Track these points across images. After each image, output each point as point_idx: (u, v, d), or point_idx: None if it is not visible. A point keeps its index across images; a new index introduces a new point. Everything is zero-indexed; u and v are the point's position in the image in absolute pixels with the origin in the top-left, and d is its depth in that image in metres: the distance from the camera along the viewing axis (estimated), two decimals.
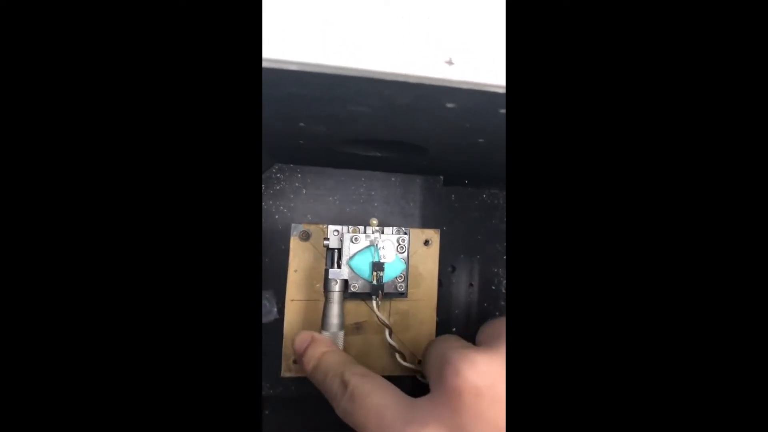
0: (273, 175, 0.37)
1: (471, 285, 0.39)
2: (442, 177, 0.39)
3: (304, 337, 0.27)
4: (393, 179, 0.39)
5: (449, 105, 0.17)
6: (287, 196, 0.37)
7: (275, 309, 0.37)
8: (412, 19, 0.15)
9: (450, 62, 0.14)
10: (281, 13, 0.14)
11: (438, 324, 0.33)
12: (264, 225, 0.37)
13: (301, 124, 0.22)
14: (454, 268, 0.39)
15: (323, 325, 0.28)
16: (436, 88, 0.15)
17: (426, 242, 0.32)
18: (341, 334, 0.28)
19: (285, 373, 0.30)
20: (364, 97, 0.17)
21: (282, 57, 0.14)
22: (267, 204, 0.37)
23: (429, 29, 0.15)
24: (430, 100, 0.17)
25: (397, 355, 0.29)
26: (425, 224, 0.39)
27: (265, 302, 0.38)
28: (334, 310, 0.28)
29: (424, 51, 0.15)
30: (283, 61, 0.14)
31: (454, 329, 0.39)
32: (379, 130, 0.23)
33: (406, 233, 0.30)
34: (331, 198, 0.38)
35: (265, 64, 0.14)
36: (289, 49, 0.14)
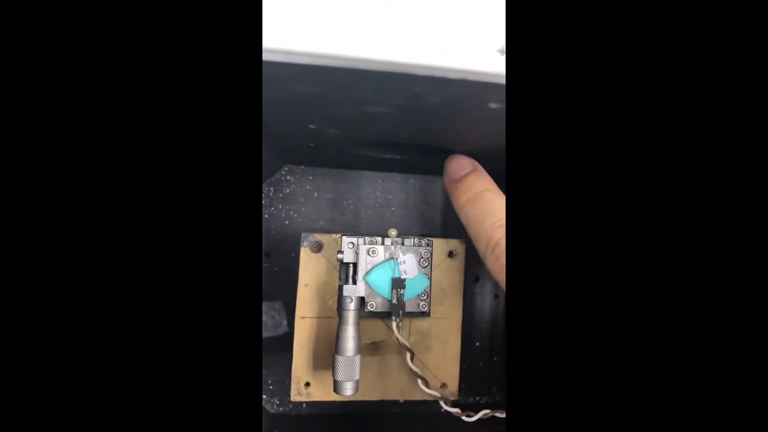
0: (283, 178, 0.34)
1: (496, 296, 0.36)
2: None
3: (465, 163, 0.22)
4: (412, 181, 0.36)
5: (493, 105, 0.14)
6: (298, 200, 0.35)
7: (285, 321, 0.35)
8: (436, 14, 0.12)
9: (503, 51, 0.11)
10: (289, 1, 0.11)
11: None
12: (273, 231, 0.34)
13: (312, 126, 0.19)
14: (477, 278, 0.36)
15: (337, 348, 0.25)
16: (482, 85, 0.12)
17: (450, 254, 0.29)
18: (357, 359, 0.25)
19: (295, 398, 0.28)
20: (386, 96, 0.14)
21: (288, 47, 0.11)
22: (276, 209, 0.34)
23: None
24: (470, 99, 0.14)
25: (420, 382, 0.26)
26: (447, 230, 0.36)
27: (274, 314, 0.35)
28: (349, 331, 0.25)
29: (467, 39, 0.11)
30: (290, 51, 0.11)
31: (477, 344, 0.36)
32: (401, 133, 0.20)
33: (428, 245, 0.27)
34: (345, 202, 0.35)
35: (267, 56, 0.11)
36: (298, 39, 0.11)
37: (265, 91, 0.13)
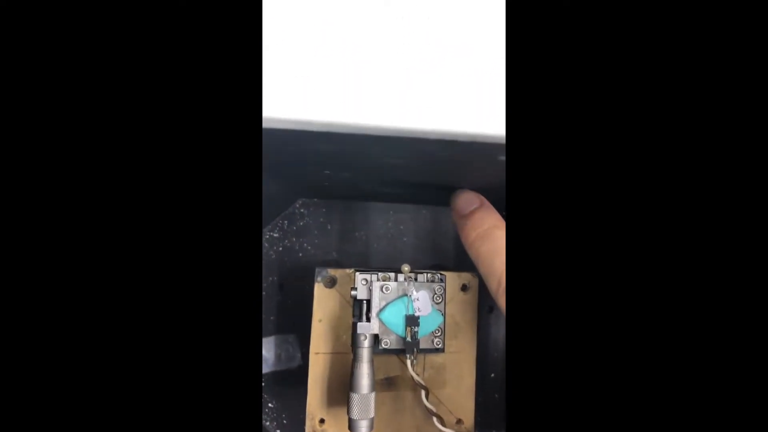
0: (296, 211, 0.35)
1: None
2: None
3: (472, 198, 0.22)
4: (424, 212, 0.36)
5: (502, 158, 0.14)
6: (311, 233, 0.35)
7: (299, 354, 0.35)
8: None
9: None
10: (311, 71, 0.12)
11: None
12: (287, 264, 0.35)
13: (327, 171, 0.20)
14: (491, 309, 0.36)
15: (351, 386, 0.25)
16: (490, 146, 0.12)
17: (463, 287, 0.29)
18: (372, 396, 0.25)
19: None
20: (399, 152, 0.14)
21: (309, 118, 0.11)
22: (290, 241, 0.35)
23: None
24: (480, 155, 0.14)
25: (435, 420, 0.26)
26: (459, 261, 0.36)
27: (288, 347, 0.35)
28: (364, 369, 0.25)
29: (476, 106, 0.12)
30: (310, 122, 0.11)
31: (492, 375, 0.35)
32: (412, 176, 0.21)
33: (442, 280, 0.27)
34: (357, 233, 0.35)
35: (285, 125, 0.12)
36: (318, 109, 0.11)
37: (286, 149, 0.14)
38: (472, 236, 0.22)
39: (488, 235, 0.21)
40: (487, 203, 0.23)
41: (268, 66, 0.12)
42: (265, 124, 0.12)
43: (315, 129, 0.12)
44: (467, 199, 0.22)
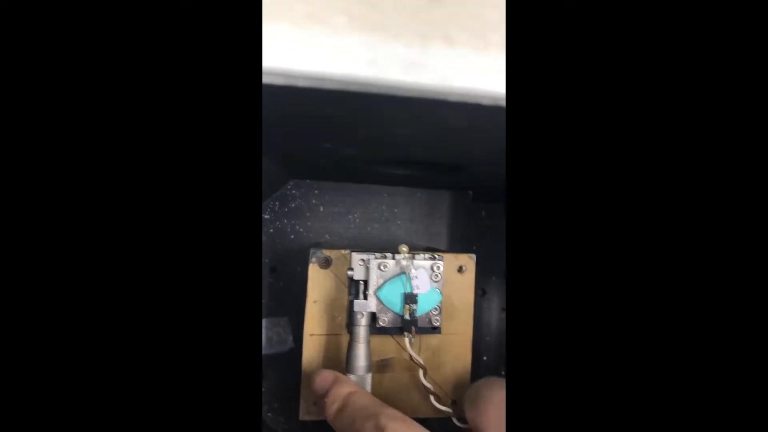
0: (288, 192, 0.34)
1: (504, 310, 0.36)
2: (471, 192, 0.36)
3: (326, 376, 0.24)
4: (418, 195, 0.36)
5: None
6: (303, 215, 0.34)
7: (290, 338, 0.34)
8: None
9: None
10: (322, 19, 0.11)
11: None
12: (279, 246, 0.34)
13: (327, 145, 0.19)
14: (484, 292, 0.36)
15: (348, 366, 0.25)
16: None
17: (460, 269, 0.29)
18: (369, 377, 0.25)
19: (304, 417, 0.27)
20: (414, 119, 0.14)
21: (320, 71, 0.11)
22: (282, 223, 0.34)
23: None
24: (497, 123, 0.14)
25: (432, 398, 0.26)
26: (453, 244, 0.36)
27: (279, 330, 0.35)
28: (361, 349, 0.25)
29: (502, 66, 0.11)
30: (322, 77, 0.11)
31: (485, 358, 0.35)
32: (416, 152, 0.20)
33: (440, 259, 0.27)
34: (350, 216, 0.35)
35: (295, 81, 0.11)
36: (332, 63, 0.11)
37: (290, 113, 0.13)
38: (333, 410, 0.23)
39: (346, 403, 0.22)
40: (340, 376, 0.24)
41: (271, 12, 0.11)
42: (268, 78, 0.11)
43: (330, 86, 0.11)
44: (323, 379, 0.24)
